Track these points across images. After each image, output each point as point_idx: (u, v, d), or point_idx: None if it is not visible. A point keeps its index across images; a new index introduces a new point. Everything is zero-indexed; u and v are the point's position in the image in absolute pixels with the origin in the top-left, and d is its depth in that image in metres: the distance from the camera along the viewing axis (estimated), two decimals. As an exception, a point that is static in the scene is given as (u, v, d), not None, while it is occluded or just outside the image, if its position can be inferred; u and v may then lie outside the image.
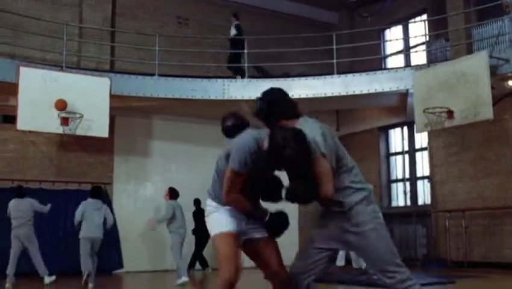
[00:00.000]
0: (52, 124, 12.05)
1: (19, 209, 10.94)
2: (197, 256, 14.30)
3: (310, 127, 3.78)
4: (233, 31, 14.71)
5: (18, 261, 10.69)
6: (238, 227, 3.96)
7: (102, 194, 11.21)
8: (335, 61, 13.83)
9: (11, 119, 12.42)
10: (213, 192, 4.07)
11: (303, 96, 13.71)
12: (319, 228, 3.96)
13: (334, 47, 13.97)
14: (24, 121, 11.85)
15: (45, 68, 12.50)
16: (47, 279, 10.79)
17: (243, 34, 14.48)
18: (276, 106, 3.86)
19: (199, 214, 13.40)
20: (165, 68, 14.15)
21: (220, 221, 3.94)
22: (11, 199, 11.14)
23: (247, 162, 3.73)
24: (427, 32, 14.39)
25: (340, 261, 13.81)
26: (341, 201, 3.74)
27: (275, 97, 3.93)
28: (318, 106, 15.33)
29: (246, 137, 3.85)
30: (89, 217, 10.33)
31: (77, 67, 13.95)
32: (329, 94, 13.68)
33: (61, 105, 11.88)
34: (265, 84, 13.76)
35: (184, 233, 11.04)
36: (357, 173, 3.98)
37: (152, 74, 13.59)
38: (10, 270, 10.49)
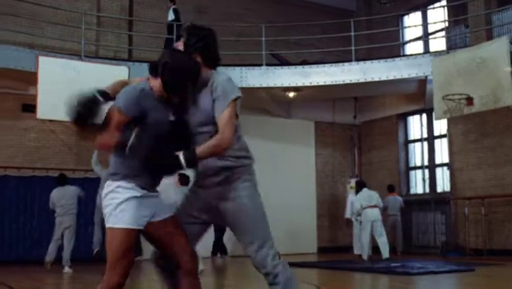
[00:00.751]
0: (71, 113, 12.13)
1: (63, 197, 11.30)
2: (219, 243, 14.38)
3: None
4: (170, 16, 14.39)
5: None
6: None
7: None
8: (353, 48, 13.77)
9: (31, 108, 12.54)
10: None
11: (321, 83, 13.68)
12: None
13: (352, 33, 13.91)
14: (44, 111, 11.96)
15: (64, 57, 12.59)
16: (68, 269, 10.93)
17: (181, 19, 14.25)
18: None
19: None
20: (182, 57, 14.15)
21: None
22: (32, 188, 11.34)
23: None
24: (446, 18, 14.27)
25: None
26: None
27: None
28: (336, 94, 15.31)
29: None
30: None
31: (95, 56, 14.02)
32: (347, 81, 13.64)
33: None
34: (283, 72, 13.76)
35: None
36: None
37: (170, 63, 13.60)
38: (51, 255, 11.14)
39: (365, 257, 12.68)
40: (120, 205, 3.25)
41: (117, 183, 3.31)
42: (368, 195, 12.88)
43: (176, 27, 13.83)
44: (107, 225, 3.28)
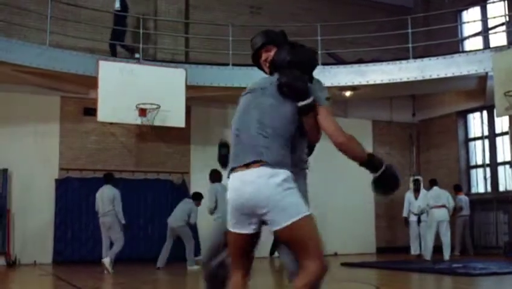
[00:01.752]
0: (130, 116, 12.42)
1: (102, 197, 11.37)
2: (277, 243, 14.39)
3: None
4: (116, 4, 13.88)
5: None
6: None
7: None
8: (410, 45, 13.58)
9: (92, 112, 12.88)
10: (281, 156, 3.15)
11: (378, 81, 13.55)
12: None
13: (410, 30, 13.72)
14: (104, 114, 12.25)
15: (122, 61, 12.87)
16: (107, 263, 10.83)
17: (127, 9, 13.98)
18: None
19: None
20: (238, 58, 14.25)
21: (300, 198, 3.12)
22: (94, 189, 11.60)
23: None
24: (506, 13, 13.91)
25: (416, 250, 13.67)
26: None
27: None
28: (393, 92, 15.13)
29: None
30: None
31: (153, 59, 14.27)
32: (404, 79, 13.45)
33: None
34: (340, 71, 13.68)
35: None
36: None
37: (226, 64, 13.74)
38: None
39: (428, 257, 12.44)
40: (298, 192, 3.13)
41: (288, 171, 3.11)
42: (437, 195, 12.65)
43: (122, 18, 13.76)
44: (301, 215, 3.02)
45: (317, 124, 3.26)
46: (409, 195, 14.03)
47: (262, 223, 3.14)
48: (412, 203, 13.87)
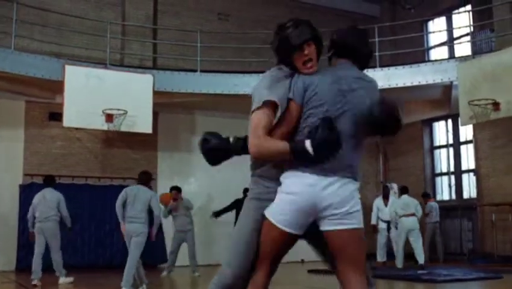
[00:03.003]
0: (97, 121, 12.29)
1: (41, 201, 10.42)
2: None
3: None
4: None
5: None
6: None
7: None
8: (377, 53, 13.71)
9: (58, 116, 12.72)
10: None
11: (345, 89, 13.64)
12: None
13: (376, 39, 13.85)
14: (70, 119, 12.11)
15: (89, 66, 12.75)
16: (63, 280, 10.31)
17: None
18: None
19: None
20: (206, 64, 14.24)
21: None
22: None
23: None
24: (471, 23, 14.15)
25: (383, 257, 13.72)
26: None
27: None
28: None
29: None
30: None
31: (120, 64, 14.17)
32: (371, 88, 13.53)
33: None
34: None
35: None
36: None
37: (194, 71, 13.71)
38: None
39: (400, 265, 12.48)
40: None
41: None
42: (406, 203, 12.55)
43: None
44: (361, 227, 3.17)
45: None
46: (378, 202, 13.95)
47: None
48: (381, 210, 13.74)
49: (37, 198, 10.45)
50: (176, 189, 12.15)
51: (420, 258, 12.32)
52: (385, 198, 13.87)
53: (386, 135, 3.39)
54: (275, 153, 3.04)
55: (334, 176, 3.05)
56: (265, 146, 3.05)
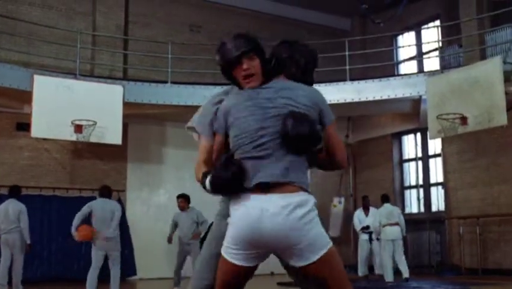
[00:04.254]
0: (65, 132, 12.13)
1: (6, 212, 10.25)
2: None
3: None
4: None
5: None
6: None
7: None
8: (347, 67, 13.81)
9: (26, 127, 12.53)
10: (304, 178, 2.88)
11: (315, 102, 13.67)
12: None
13: (347, 53, 13.96)
14: (39, 129, 11.93)
15: (59, 76, 12.61)
16: None
17: None
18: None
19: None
20: (177, 76, 14.20)
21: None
22: (25, 205, 11.03)
23: None
24: (440, 38, 14.36)
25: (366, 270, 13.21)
26: None
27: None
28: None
29: None
30: None
31: (90, 74, 14.05)
32: (341, 101, 13.60)
33: None
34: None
35: None
36: None
37: (165, 82, 13.66)
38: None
39: (390, 278, 11.81)
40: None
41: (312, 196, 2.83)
42: (389, 212, 12.15)
43: None
44: (329, 245, 2.79)
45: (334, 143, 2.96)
46: (358, 212, 13.39)
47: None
48: (363, 221, 13.04)
49: (1, 209, 10.27)
50: (183, 197, 11.34)
51: (405, 271, 11.88)
52: (366, 208, 13.22)
53: (307, 153, 2.89)
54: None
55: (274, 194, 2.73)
56: (196, 173, 3.01)
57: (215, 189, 2.81)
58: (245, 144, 2.83)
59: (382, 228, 12.08)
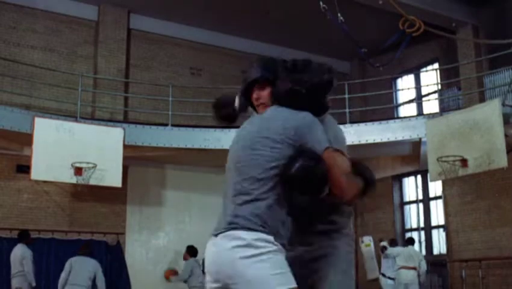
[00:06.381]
0: (65, 174, 12.11)
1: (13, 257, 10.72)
2: None
3: None
4: None
5: None
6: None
7: None
8: (347, 110, 13.86)
9: (26, 169, 12.52)
10: (263, 218, 2.66)
11: (315, 144, 13.69)
12: None
13: (347, 96, 14.02)
14: (38, 171, 11.91)
15: (59, 118, 12.64)
16: None
17: None
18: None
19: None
20: (178, 118, 14.24)
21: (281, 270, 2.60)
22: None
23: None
24: (439, 81, 14.45)
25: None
26: None
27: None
28: (331, 155, 15.28)
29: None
30: None
31: (91, 117, 14.09)
32: (342, 143, 13.58)
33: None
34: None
35: None
36: None
37: (166, 125, 13.68)
38: None
39: None
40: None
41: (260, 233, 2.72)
42: (409, 255, 12.06)
43: None
44: None
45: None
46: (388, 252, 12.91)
47: None
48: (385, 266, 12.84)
49: (11, 254, 10.68)
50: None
51: None
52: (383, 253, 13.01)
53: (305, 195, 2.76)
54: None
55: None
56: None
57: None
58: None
59: (397, 271, 11.95)
